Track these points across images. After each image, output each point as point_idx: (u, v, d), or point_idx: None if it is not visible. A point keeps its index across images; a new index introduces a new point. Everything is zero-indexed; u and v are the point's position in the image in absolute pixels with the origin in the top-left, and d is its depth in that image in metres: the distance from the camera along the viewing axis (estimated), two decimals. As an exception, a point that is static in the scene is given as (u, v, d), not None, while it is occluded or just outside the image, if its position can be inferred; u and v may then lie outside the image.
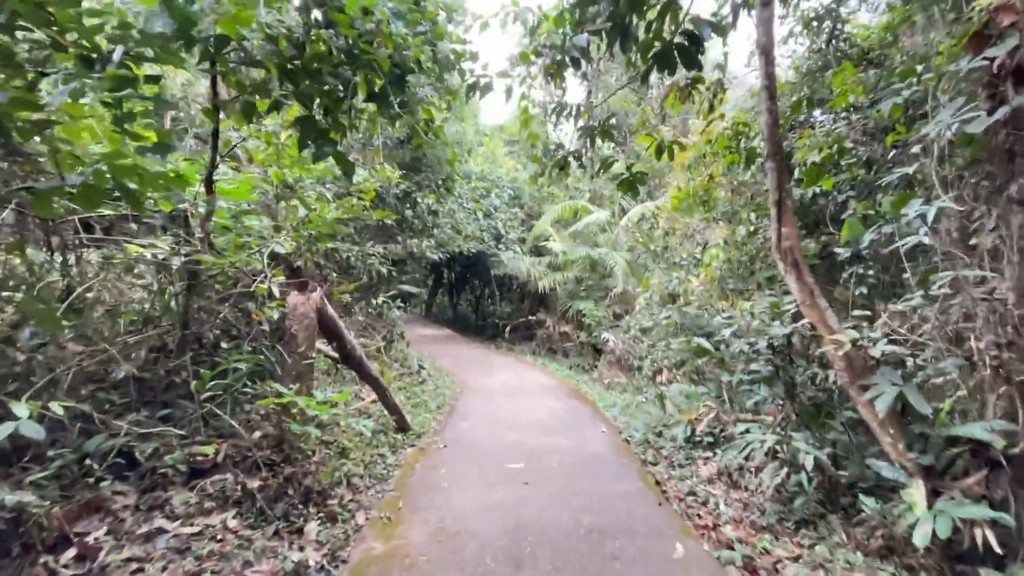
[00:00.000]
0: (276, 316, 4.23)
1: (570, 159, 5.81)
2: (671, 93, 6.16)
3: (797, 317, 5.04)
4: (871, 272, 5.14)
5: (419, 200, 8.72)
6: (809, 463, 4.37)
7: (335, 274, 7.51)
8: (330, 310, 4.84)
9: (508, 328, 15.47)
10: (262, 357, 4.27)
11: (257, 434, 4.11)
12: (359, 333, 7.53)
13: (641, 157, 16.17)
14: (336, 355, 5.19)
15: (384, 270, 8.11)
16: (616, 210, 14.52)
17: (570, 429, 6.53)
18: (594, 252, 14.26)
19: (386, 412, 5.79)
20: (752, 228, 7.40)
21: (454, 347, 14.94)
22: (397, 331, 8.45)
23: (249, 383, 4.18)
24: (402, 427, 5.79)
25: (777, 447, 4.75)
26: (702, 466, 5.86)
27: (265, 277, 4.29)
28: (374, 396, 5.79)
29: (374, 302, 8.01)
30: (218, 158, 3.87)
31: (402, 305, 8.49)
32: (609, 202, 15.72)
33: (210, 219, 3.99)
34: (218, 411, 3.90)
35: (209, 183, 3.88)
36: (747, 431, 5.51)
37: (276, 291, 4.15)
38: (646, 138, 5.78)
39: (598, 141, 6.05)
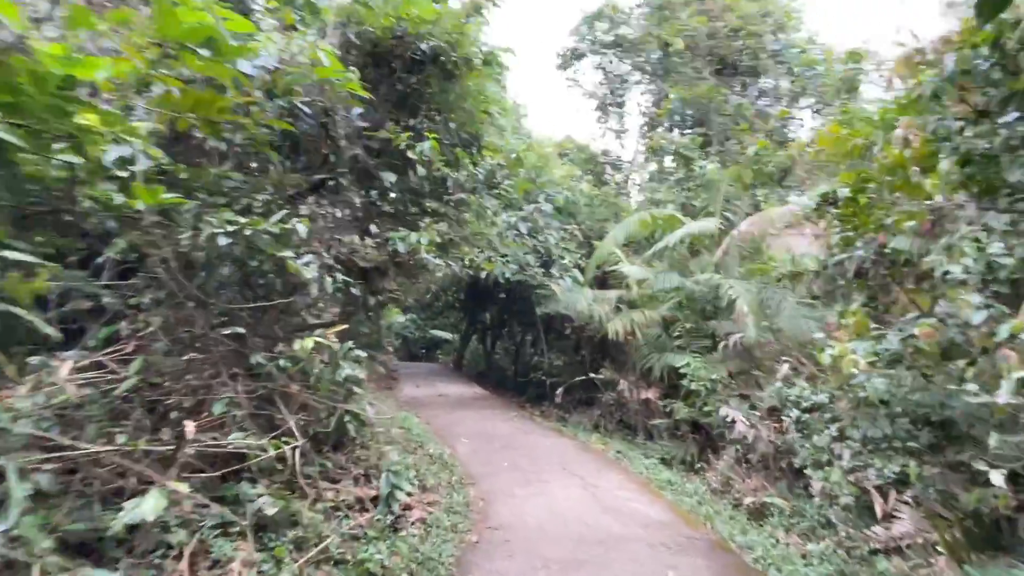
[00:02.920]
0: None
1: None
2: None
3: None
4: None
5: (413, 156, 4.54)
6: None
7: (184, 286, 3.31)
8: None
9: (560, 390, 10.78)
10: None
11: None
12: (208, 424, 3.13)
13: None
14: None
15: (324, 278, 3.84)
16: (719, 219, 9.85)
17: None
18: (692, 280, 9.60)
19: None
20: None
21: (482, 417, 10.34)
22: (347, 407, 3.99)
23: None
24: None
25: None
26: None
27: None
28: None
29: (298, 346, 3.66)
30: None
31: (362, 354, 4.05)
32: (703, 212, 11.12)
33: None
34: None
35: None
36: None
37: None
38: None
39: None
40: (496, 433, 8.70)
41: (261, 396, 3.80)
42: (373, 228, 4.70)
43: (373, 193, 4.78)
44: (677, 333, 9.23)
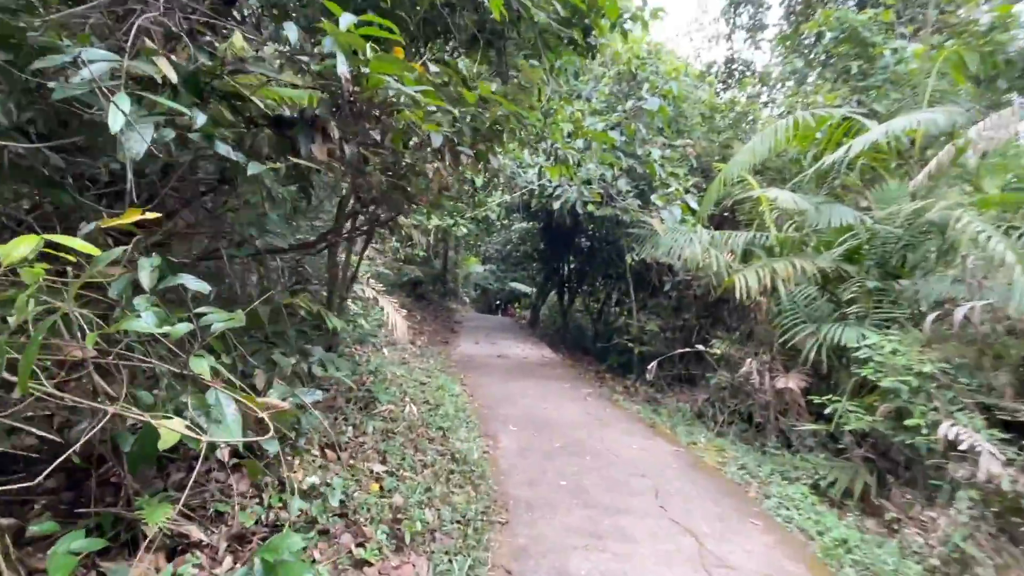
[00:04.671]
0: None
1: None
2: None
3: None
4: None
5: None
6: None
7: None
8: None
9: (654, 364, 7.98)
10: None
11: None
12: None
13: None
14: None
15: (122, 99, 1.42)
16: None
17: None
18: (877, 217, 6.17)
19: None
20: None
21: (544, 391, 7.91)
22: (158, 418, 1.73)
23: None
24: None
25: None
26: None
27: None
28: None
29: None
30: None
31: (204, 287, 1.73)
32: (882, 113, 7.30)
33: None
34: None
35: None
36: None
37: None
38: None
39: None
40: (559, 420, 6.25)
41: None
42: (292, 30, 2.23)
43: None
44: (849, 295, 5.97)
